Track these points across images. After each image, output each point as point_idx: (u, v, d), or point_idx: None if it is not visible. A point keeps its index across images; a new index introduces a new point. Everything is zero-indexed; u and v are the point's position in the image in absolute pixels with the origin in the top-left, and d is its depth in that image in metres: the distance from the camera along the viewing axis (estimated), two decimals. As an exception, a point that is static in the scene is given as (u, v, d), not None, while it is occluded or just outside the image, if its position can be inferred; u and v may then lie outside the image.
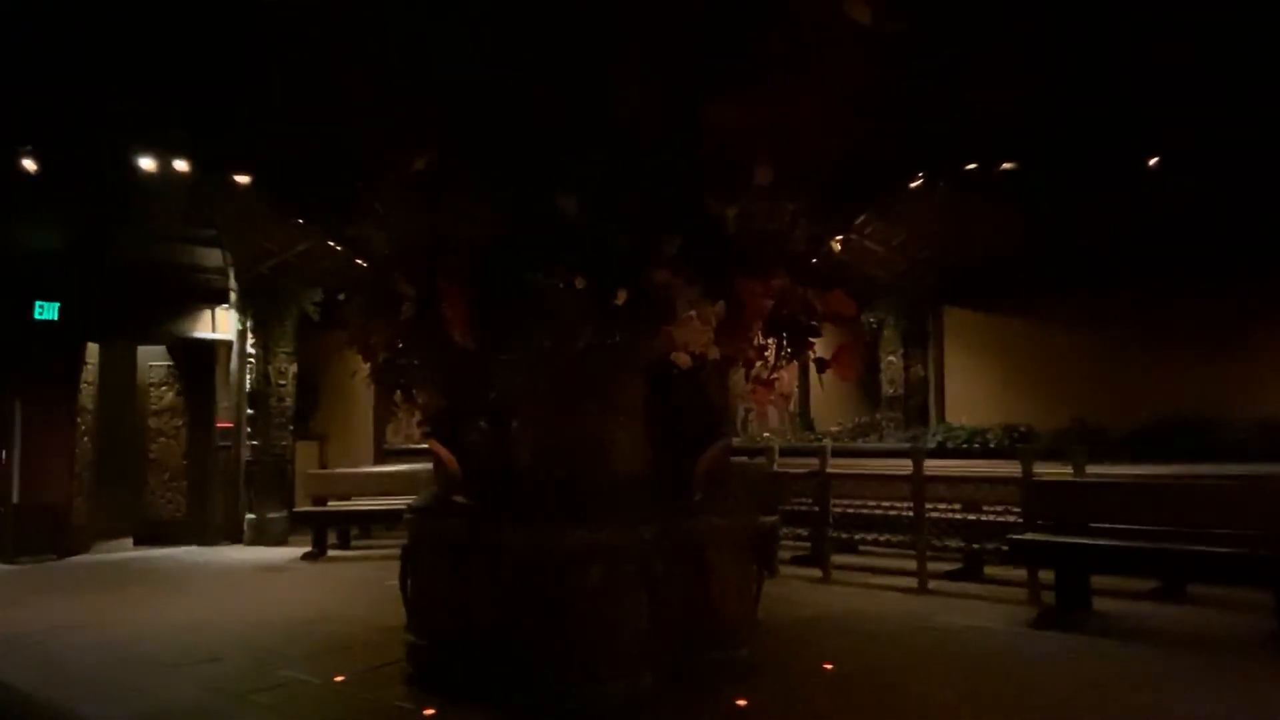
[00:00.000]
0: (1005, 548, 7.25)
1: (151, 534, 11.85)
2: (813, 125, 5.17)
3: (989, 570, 8.08)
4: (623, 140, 4.90)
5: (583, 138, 4.86)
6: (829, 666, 5.36)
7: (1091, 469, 7.49)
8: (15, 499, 10.71)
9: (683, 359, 4.94)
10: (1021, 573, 7.32)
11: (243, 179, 8.05)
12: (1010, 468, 7.79)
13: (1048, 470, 7.61)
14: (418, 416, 5.82)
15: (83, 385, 11.47)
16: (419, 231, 5.36)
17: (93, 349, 11.59)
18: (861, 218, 7.68)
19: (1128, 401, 10.53)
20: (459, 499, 5.33)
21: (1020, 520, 7.36)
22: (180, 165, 8.11)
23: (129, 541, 11.87)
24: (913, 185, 8.19)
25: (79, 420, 11.39)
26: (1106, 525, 6.64)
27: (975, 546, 8.25)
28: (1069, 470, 7.48)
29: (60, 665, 5.78)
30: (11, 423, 10.75)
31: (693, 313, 4.90)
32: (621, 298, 4.71)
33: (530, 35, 4.66)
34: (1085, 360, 11.32)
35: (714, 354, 5.06)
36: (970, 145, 7.78)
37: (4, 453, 10.70)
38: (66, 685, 5.33)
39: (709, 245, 5.07)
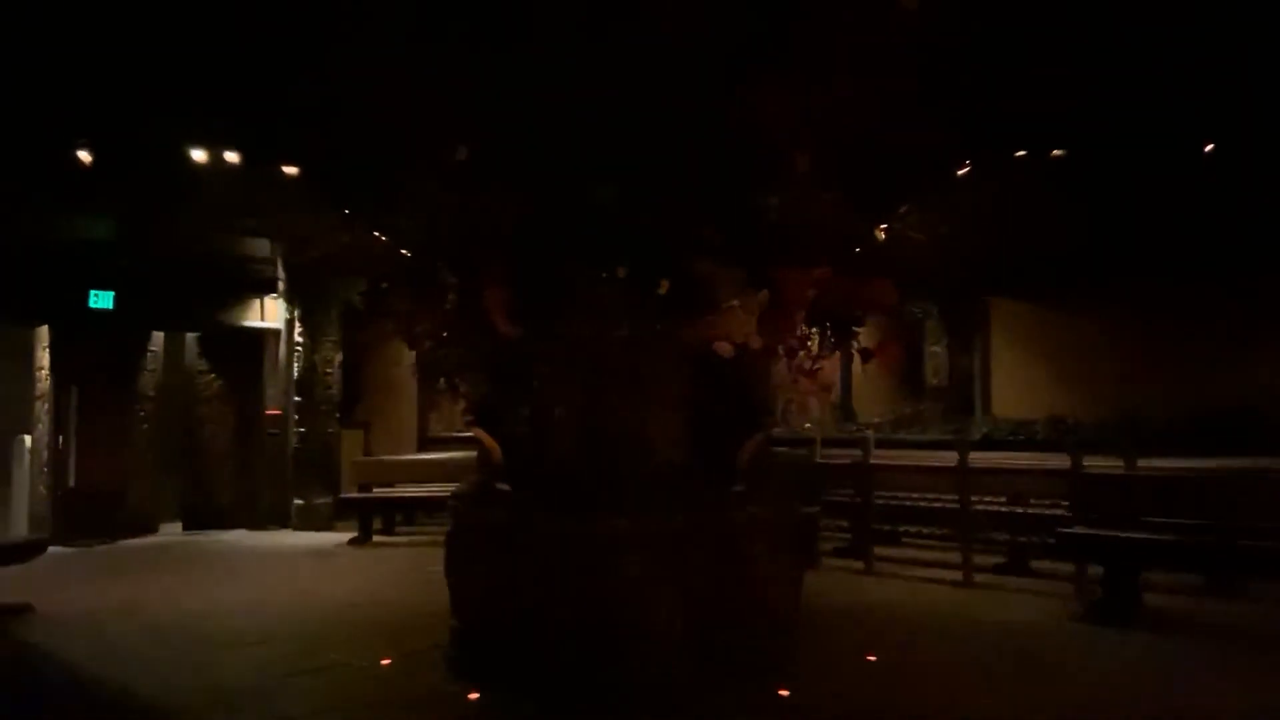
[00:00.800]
0: (1052, 541, 7.16)
1: (201, 518, 12.09)
2: (854, 114, 5.11)
3: (1035, 564, 7.98)
4: (662, 130, 4.88)
5: (621, 129, 4.85)
6: (872, 658, 5.33)
7: (1141, 462, 7.36)
8: (71, 483, 11.03)
9: (725, 348, 4.94)
10: (1068, 567, 7.24)
11: (289, 169, 8.15)
12: (1057, 460, 7.67)
13: (1096, 463, 7.48)
14: (461, 405, 5.87)
15: (145, 372, 11.72)
16: (458, 223, 5.40)
17: (157, 337, 11.84)
18: (905, 207, 7.59)
19: (1178, 394, 10.33)
20: (502, 486, 5.37)
21: (1067, 513, 7.25)
22: (230, 156, 8.22)
23: (179, 525, 12.13)
24: (959, 174, 8.07)
25: (139, 407, 11.64)
26: (1157, 519, 6.52)
27: (1021, 540, 8.14)
28: (1118, 463, 7.36)
29: (114, 645, 5.94)
30: (67, 409, 11.04)
31: (735, 302, 4.89)
32: (665, 287, 4.71)
33: (565, 27, 4.66)
34: (1134, 352, 11.12)
35: (756, 343, 5.04)
36: (1018, 134, 7.64)
37: (60, 438, 10.98)
38: (120, 665, 5.47)
39: (751, 234, 5.05)
